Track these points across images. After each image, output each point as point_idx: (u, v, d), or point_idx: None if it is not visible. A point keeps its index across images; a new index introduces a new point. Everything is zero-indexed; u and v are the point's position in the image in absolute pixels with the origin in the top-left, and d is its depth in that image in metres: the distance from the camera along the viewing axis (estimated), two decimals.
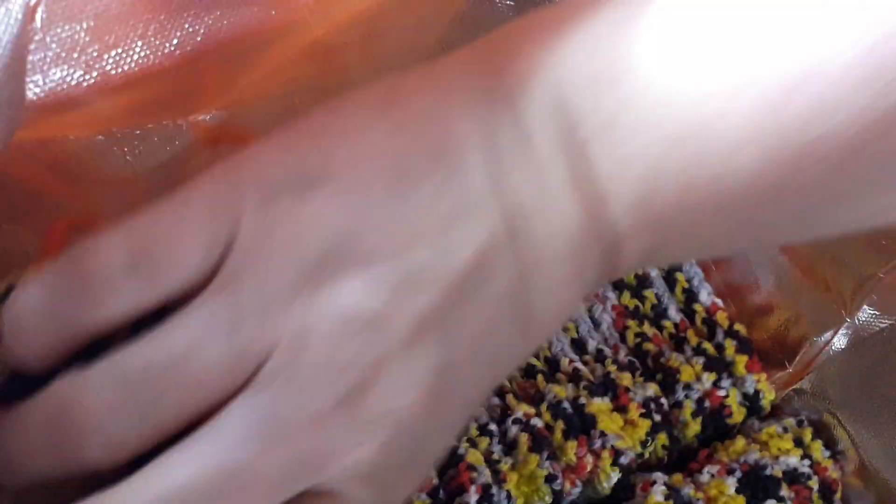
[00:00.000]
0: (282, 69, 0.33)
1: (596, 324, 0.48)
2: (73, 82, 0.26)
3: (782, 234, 0.33)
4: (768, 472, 0.45)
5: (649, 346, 0.48)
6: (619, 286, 0.50)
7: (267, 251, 0.26)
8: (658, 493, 0.43)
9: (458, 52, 0.29)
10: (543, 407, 0.43)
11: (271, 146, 0.28)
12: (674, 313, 0.50)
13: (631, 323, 0.49)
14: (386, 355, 0.26)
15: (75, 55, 0.25)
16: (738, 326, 0.50)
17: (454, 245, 0.27)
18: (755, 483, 0.45)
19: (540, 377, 0.45)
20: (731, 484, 0.45)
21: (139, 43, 0.26)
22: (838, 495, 0.47)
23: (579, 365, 0.46)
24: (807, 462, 0.47)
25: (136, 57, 0.26)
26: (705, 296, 0.50)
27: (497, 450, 0.41)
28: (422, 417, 0.27)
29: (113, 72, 0.26)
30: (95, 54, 0.25)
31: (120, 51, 0.26)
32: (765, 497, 0.45)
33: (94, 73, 0.26)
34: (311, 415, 0.25)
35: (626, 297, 0.49)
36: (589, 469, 0.42)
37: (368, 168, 0.27)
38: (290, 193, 0.26)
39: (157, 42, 0.26)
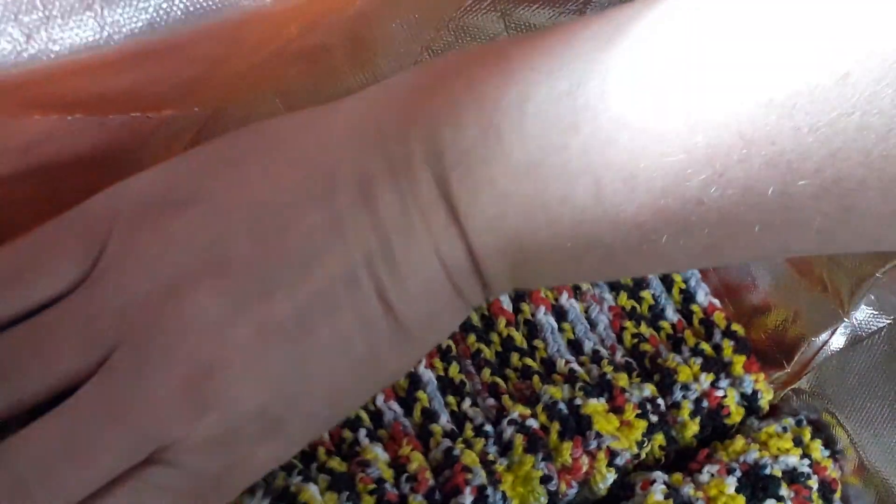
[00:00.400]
0: (261, 68, 0.33)
1: (592, 325, 0.48)
2: (32, 57, 0.26)
3: (628, 268, 0.35)
4: (768, 471, 0.45)
5: (646, 347, 0.48)
6: (615, 287, 0.50)
7: (129, 258, 0.30)
8: (658, 493, 0.43)
9: (345, 99, 0.33)
10: (539, 408, 0.43)
11: (155, 170, 0.32)
12: (671, 314, 0.50)
13: (628, 324, 0.49)
14: (229, 354, 0.29)
15: (36, 27, 0.25)
16: (735, 326, 0.49)
17: (311, 263, 0.30)
18: (755, 482, 0.45)
19: (536, 378, 0.45)
20: (730, 483, 0.45)
21: (94, 23, 0.26)
22: (838, 494, 0.47)
23: (575, 366, 0.45)
24: (806, 461, 0.47)
25: (90, 37, 0.26)
26: (702, 296, 0.50)
27: (492, 451, 0.41)
28: (273, 405, 0.30)
29: (70, 43, 0.26)
30: (55, 27, 0.26)
31: (75, 27, 0.26)
32: (764, 496, 0.45)
33: (57, 48, 0.26)
34: (150, 397, 0.29)
35: (623, 298, 0.49)
36: (584, 470, 0.42)
37: (238, 194, 0.31)
38: (159, 210, 0.30)
39: (114, 25, 0.26)
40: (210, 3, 0.28)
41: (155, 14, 0.27)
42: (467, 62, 0.31)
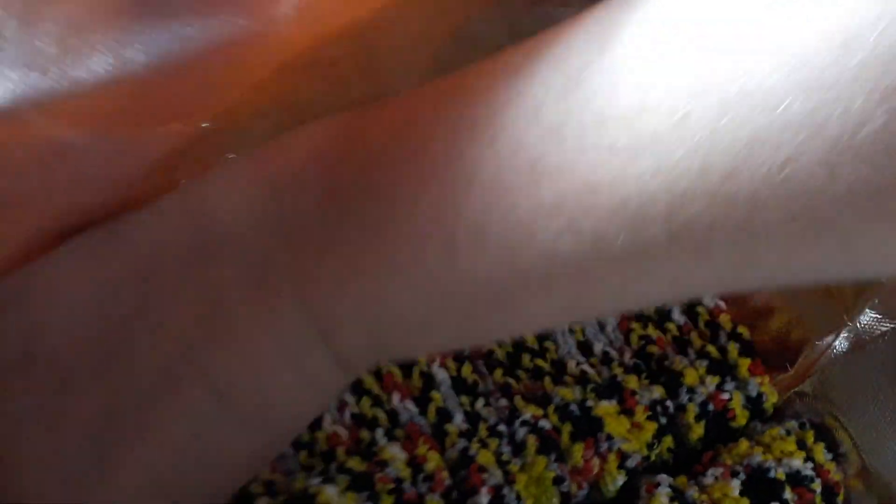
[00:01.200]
0: (270, 82, 0.33)
1: (601, 326, 0.49)
2: (31, 86, 0.25)
3: (494, 330, 0.32)
4: (772, 474, 0.46)
5: (653, 349, 0.48)
6: None
7: None
8: (663, 496, 0.43)
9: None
10: (551, 409, 0.43)
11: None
12: (677, 315, 0.50)
13: (635, 325, 0.49)
14: (21, 447, 0.30)
15: (34, 60, 0.25)
16: (741, 329, 0.50)
17: (118, 356, 0.30)
18: (759, 485, 0.45)
19: (547, 379, 0.45)
20: (735, 486, 0.45)
21: (103, 51, 0.26)
22: (840, 498, 0.48)
23: (586, 367, 0.46)
24: (809, 465, 0.47)
25: (101, 65, 0.26)
26: (708, 298, 0.51)
27: (506, 451, 0.41)
28: (69, 497, 0.30)
29: (75, 76, 0.26)
30: (55, 61, 0.25)
31: (82, 57, 0.26)
32: (768, 499, 0.45)
33: (55, 78, 0.26)
34: None
35: None
36: (595, 471, 0.42)
37: (57, 290, 0.31)
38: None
39: (123, 51, 0.26)
40: (219, 31, 0.28)
41: (168, 46, 0.27)
42: (313, 128, 0.31)
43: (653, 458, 0.45)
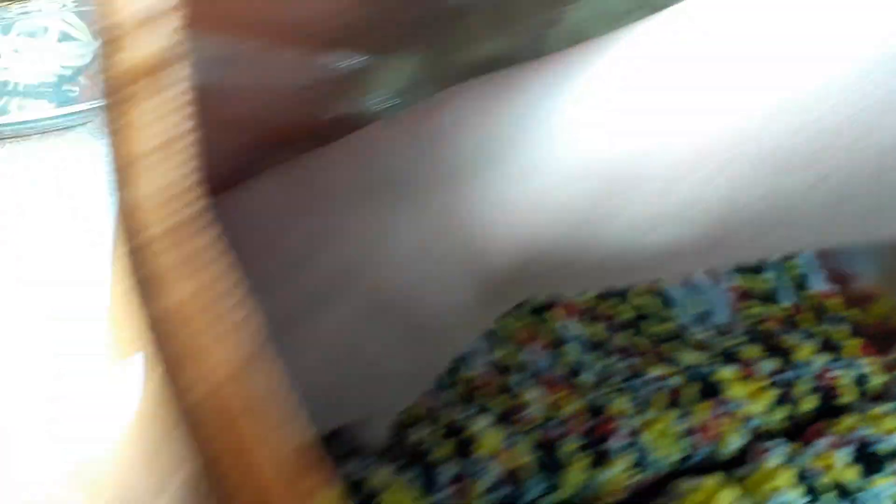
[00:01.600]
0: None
1: (716, 302, 0.50)
2: None
3: (638, 269, 0.33)
4: (877, 447, 0.47)
5: (765, 326, 0.50)
6: (737, 269, 0.52)
7: None
8: (775, 458, 0.45)
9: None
10: (676, 369, 0.45)
11: None
12: (787, 297, 0.52)
13: (748, 303, 0.51)
14: None
15: None
16: (849, 311, 0.51)
17: (304, 263, 0.33)
18: (866, 457, 0.47)
19: (667, 345, 0.47)
20: (842, 457, 0.46)
21: None
22: None
23: (704, 336, 0.47)
24: None
25: None
26: (818, 281, 0.52)
27: (634, 405, 0.43)
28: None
29: None
30: None
31: None
32: (874, 471, 0.46)
33: None
34: None
35: (744, 280, 0.51)
36: (717, 431, 0.44)
37: (255, 201, 0.35)
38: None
39: None
40: None
41: None
42: (475, 85, 0.33)
43: (771, 424, 0.46)
